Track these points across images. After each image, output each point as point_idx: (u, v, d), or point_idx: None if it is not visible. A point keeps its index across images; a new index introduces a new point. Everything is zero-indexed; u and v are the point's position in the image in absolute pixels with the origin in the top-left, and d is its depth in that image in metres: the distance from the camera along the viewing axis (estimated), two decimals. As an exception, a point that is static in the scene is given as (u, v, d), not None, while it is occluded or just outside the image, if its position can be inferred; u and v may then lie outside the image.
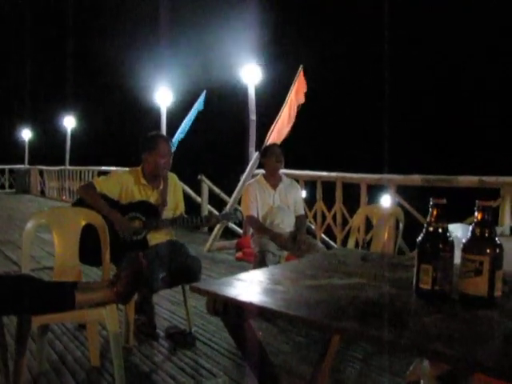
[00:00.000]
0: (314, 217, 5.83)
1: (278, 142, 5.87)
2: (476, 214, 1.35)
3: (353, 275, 1.63)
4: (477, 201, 1.35)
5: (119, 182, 3.25)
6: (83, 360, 2.93)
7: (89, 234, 2.86)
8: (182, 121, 7.83)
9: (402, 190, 5.00)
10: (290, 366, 2.83)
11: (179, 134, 7.69)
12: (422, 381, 1.76)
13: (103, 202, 3.11)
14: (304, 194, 5.86)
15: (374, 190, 5.28)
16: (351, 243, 3.70)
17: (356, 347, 3.06)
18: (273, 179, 4.04)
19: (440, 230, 1.37)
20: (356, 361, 2.93)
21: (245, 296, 1.40)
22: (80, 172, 13.74)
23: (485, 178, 4.25)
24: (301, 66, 6.40)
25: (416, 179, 4.74)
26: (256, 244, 3.77)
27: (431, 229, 1.38)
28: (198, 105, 7.68)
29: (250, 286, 1.52)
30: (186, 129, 7.71)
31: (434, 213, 1.39)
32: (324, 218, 5.73)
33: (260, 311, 1.32)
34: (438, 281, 1.35)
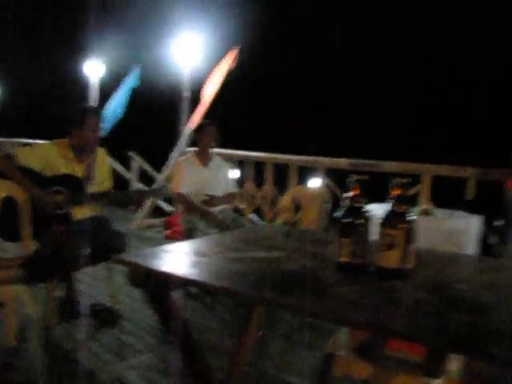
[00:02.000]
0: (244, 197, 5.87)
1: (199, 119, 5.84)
2: (393, 190, 1.41)
3: (275, 249, 1.67)
4: (395, 179, 1.41)
5: (43, 153, 3.10)
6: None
7: (8, 208, 2.72)
8: (111, 93, 7.53)
9: (331, 173, 5.14)
10: (216, 343, 2.85)
11: (114, 112, 7.34)
12: (339, 352, 1.84)
13: (22, 175, 2.96)
14: (236, 173, 5.88)
15: (305, 172, 5.40)
16: (279, 223, 3.76)
17: (280, 324, 3.15)
18: (204, 157, 4.02)
19: (359, 206, 1.43)
20: (280, 337, 3.01)
21: (167, 267, 1.39)
22: (-1, 143, 12.91)
23: (407, 164, 4.52)
24: (238, 45, 6.34)
25: (343, 163, 4.92)
26: (184, 222, 3.75)
27: (351, 204, 1.44)
28: (132, 80, 7.40)
29: (173, 258, 1.52)
30: (122, 106, 7.39)
31: (354, 189, 1.44)
32: (254, 198, 5.79)
33: (182, 282, 1.31)
34: (356, 254, 1.41)
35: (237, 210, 4.53)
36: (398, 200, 1.40)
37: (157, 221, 6.53)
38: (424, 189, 4.35)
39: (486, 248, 3.94)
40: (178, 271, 1.35)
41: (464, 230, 2.13)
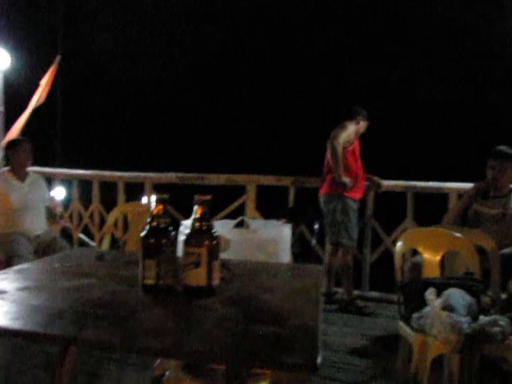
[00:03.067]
0: (71, 217, 5.52)
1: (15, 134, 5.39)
2: (195, 208, 1.41)
3: (84, 276, 1.57)
4: (195, 195, 1.42)
5: None
6: None
7: None
8: None
9: (161, 188, 5.09)
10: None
11: None
12: (167, 373, 1.80)
13: None
14: (62, 192, 5.50)
15: (136, 189, 5.27)
16: (106, 242, 3.62)
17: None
18: (21, 173, 3.75)
19: (163, 226, 1.41)
20: (113, 362, 2.87)
21: None
22: None
23: (232, 176, 4.68)
24: (58, 56, 5.90)
25: (171, 177, 4.92)
26: (1, 249, 3.40)
27: (154, 224, 1.41)
28: None
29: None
30: None
31: (157, 208, 1.42)
32: (81, 217, 5.48)
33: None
34: (161, 275, 1.39)
35: (65, 233, 4.26)
36: (200, 217, 1.41)
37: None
38: (249, 199, 4.55)
39: (307, 252, 4.26)
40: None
41: (275, 239, 2.25)
